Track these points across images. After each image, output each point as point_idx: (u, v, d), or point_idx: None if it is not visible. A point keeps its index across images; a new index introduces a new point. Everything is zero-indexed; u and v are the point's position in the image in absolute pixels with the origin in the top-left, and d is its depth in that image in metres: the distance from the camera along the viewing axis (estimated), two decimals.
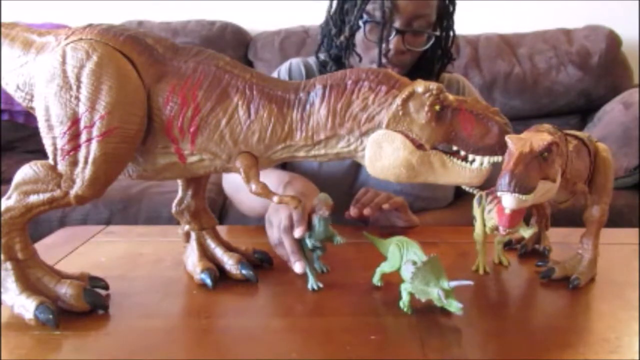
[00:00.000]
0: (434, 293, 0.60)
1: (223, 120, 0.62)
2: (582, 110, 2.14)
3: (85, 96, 0.58)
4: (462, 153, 0.62)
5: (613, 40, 2.11)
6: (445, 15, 1.09)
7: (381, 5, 1.01)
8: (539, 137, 0.59)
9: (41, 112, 0.60)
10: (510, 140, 0.59)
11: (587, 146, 0.71)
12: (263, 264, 0.78)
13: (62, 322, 0.59)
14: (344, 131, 0.62)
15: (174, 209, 0.75)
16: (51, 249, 0.85)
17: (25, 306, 0.59)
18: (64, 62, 0.59)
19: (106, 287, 0.69)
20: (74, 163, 0.60)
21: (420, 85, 0.61)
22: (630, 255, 0.85)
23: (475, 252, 0.77)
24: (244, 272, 0.72)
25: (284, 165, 1.16)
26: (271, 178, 0.94)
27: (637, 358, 0.55)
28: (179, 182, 0.75)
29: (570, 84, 2.08)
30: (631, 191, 1.64)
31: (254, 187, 0.63)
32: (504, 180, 0.56)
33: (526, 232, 0.69)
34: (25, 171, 0.61)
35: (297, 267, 0.72)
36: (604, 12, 2.25)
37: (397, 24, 1.02)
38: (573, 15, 2.26)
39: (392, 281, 0.69)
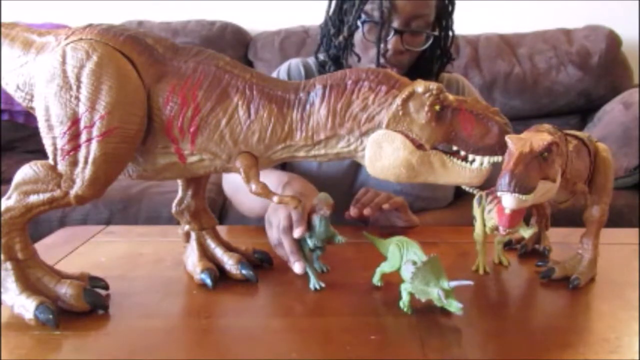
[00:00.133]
0: (434, 293, 0.60)
1: (223, 120, 0.62)
2: (582, 110, 2.14)
3: (85, 96, 0.58)
4: (462, 153, 0.62)
5: (613, 40, 2.11)
6: (444, 15, 1.09)
7: (379, 5, 1.01)
8: (539, 137, 0.59)
9: (41, 112, 0.60)
10: (510, 140, 0.59)
11: (587, 146, 0.71)
12: (263, 264, 0.78)
13: (62, 322, 0.59)
14: (344, 131, 0.62)
15: (174, 209, 0.75)
16: (51, 249, 0.85)
17: (25, 306, 0.59)
18: (64, 62, 0.59)
19: (106, 287, 0.69)
20: (74, 163, 0.60)
21: (420, 85, 0.61)
22: (630, 255, 0.85)
23: (475, 252, 0.77)
24: (244, 272, 0.72)
25: (284, 166, 1.16)
26: (270, 179, 0.94)
27: (637, 358, 0.55)
28: (179, 182, 0.75)
29: (570, 84, 2.08)
30: (631, 191, 1.64)
31: (254, 187, 0.63)
32: (504, 180, 0.56)
33: (526, 232, 0.69)
34: (25, 171, 0.61)
35: (297, 267, 0.72)
36: (604, 12, 2.25)
37: (395, 24, 1.02)
38: (573, 15, 2.26)
39: (392, 281, 0.69)
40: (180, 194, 0.75)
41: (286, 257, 0.75)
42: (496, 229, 0.71)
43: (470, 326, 0.61)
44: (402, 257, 0.65)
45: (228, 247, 0.76)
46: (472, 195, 0.79)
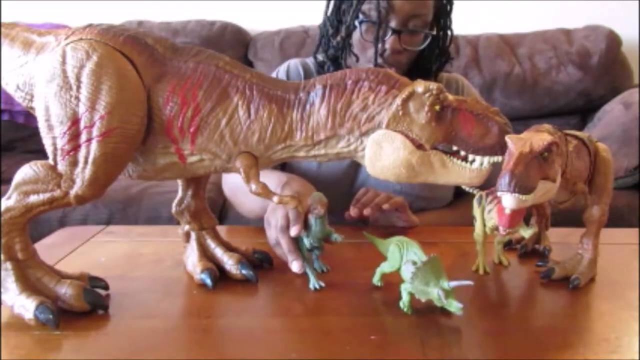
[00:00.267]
0: (434, 293, 0.60)
1: (223, 120, 0.62)
2: (582, 110, 2.14)
3: (85, 96, 0.58)
4: (462, 153, 0.62)
5: (613, 40, 2.11)
6: (442, 14, 1.09)
7: (377, 5, 1.01)
8: (539, 137, 0.59)
9: (41, 112, 0.60)
10: (510, 140, 0.59)
11: (587, 146, 0.71)
12: (263, 264, 0.78)
13: (62, 322, 0.59)
14: (344, 131, 0.62)
15: (174, 209, 0.75)
16: (51, 249, 0.85)
17: (25, 306, 0.59)
18: (64, 62, 0.59)
19: (106, 287, 0.69)
20: (74, 163, 0.60)
21: (420, 85, 0.61)
22: (630, 255, 0.85)
23: (475, 252, 0.77)
24: (244, 272, 0.72)
25: (283, 166, 1.16)
26: (269, 179, 0.94)
27: (637, 358, 0.55)
28: (179, 182, 0.75)
29: (570, 84, 2.08)
30: (631, 191, 1.64)
31: (254, 187, 0.63)
32: (504, 180, 0.56)
33: (526, 232, 0.69)
34: (25, 171, 0.61)
35: (295, 266, 0.72)
36: (604, 12, 2.25)
37: (393, 23, 1.02)
38: (573, 15, 2.26)
39: (392, 281, 0.69)
40: (180, 194, 0.75)
41: (284, 256, 0.75)
42: (496, 229, 0.71)
43: (470, 326, 0.61)
44: (402, 257, 0.65)
45: (228, 247, 0.76)
46: (472, 195, 0.79)
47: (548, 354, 0.56)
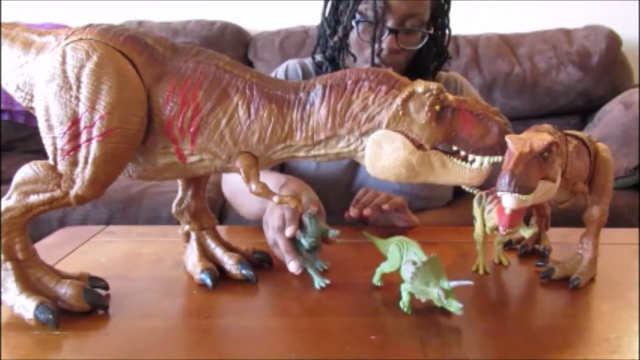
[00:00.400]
0: (434, 293, 0.60)
1: (223, 120, 0.62)
2: (582, 110, 2.14)
3: (85, 96, 0.58)
4: (462, 153, 0.62)
5: (613, 40, 2.11)
6: (439, 13, 1.09)
7: (373, 5, 1.01)
8: (539, 137, 0.59)
9: (41, 112, 0.60)
10: (510, 140, 0.59)
11: (587, 146, 0.71)
12: (263, 264, 0.78)
13: (62, 322, 0.59)
14: (344, 131, 0.62)
15: (174, 209, 0.75)
16: (51, 249, 0.85)
17: (25, 306, 0.59)
18: (64, 62, 0.59)
19: (106, 287, 0.69)
20: (74, 163, 0.60)
21: (420, 85, 0.61)
22: (630, 255, 0.85)
23: (475, 252, 0.77)
24: (244, 272, 0.72)
25: (282, 166, 1.16)
26: (266, 181, 0.94)
27: (637, 358, 0.55)
28: (179, 182, 0.75)
29: (570, 84, 2.08)
30: (631, 191, 1.64)
31: (254, 187, 0.63)
32: (504, 180, 0.56)
33: (526, 232, 0.69)
34: (25, 171, 0.61)
35: (292, 266, 0.73)
36: (604, 12, 2.25)
37: (389, 23, 1.02)
38: (573, 15, 2.26)
39: (392, 281, 0.69)
40: (180, 194, 0.75)
41: (282, 256, 0.75)
42: (496, 229, 0.71)
43: (470, 326, 0.61)
44: (402, 257, 0.65)
45: (228, 247, 0.76)
46: (472, 195, 0.79)
47: (548, 354, 0.56)
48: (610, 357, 0.55)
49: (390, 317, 0.63)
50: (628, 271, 0.78)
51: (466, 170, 0.62)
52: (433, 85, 0.60)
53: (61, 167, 0.60)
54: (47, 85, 0.60)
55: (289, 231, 0.73)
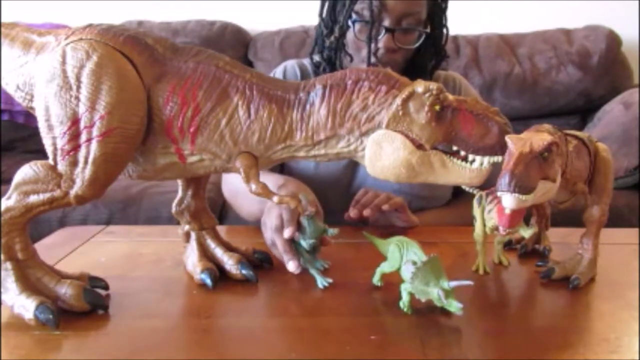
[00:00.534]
0: (434, 293, 0.60)
1: (223, 120, 0.62)
2: (582, 110, 2.14)
3: (85, 96, 0.58)
4: (462, 153, 0.62)
5: (613, 40, 2.11)
6: (437, 12, 1.09)
7: (369, 4, 1.01)
8: (539, 137, 0.59)
9: (41, 112, 0.60)
10: (510, 140, 0.59)
11: (587, 146, 0.71)
12: (263, 264, 0.78)
13: (62, 322, 0.59)
14: (344, 131, 0.62)
15: (174, 209, 0.75)
16: (51, 249, 0.85)
17: (25, 306, 0.59)
18: (64, 62, 0.59)
19: (106, 287, 0.69)
20: (74, 163, 0.60)
21: (420, 85, 0.61)
22: (630, 255, 0.85)
23: (475, 252, 0.77)
24: (244, 272, 0.72)
25: (281, 166, 1.16)
26: (266, 181, 0.94)
27: (637, 358, 0.55)
28: (179, 182, 0.75)
29: (570, 84, 2.08)
30: (631, 191, 1.64)
31: (254, 187, 0.63)
32: (504, 180, 0.56)
33: (526, 232, 0.69)
34: (25, 171, 0.61)
35: (291, 266, 0.73)
36: (604, 12, 2.25)
37: (386, 22, 1.02)
38: (573, 15, 2.26)
39: (392, 281, 0.69)
40: (180, 194, 0.75)
41: (280, 256, 0.75)
42: (496, 229, 0.71)
43: (470, 326, 0.61)
44: (402, 257, 0.65)
45: (228, 247, 0.76)
46: (472, 195, 0.79)
47: (548, 354, 0.56)
48: (610, 357, 0.55)
49: (390, 317, 0.63)
50: (628, 271, 0.78)
51: (466, 170, 0.62)
52: (433, 85, 0.60)
53: (61, 167, 0.60)
54: (47, 85, 0.60)
55: (287, 233, 0.73)
